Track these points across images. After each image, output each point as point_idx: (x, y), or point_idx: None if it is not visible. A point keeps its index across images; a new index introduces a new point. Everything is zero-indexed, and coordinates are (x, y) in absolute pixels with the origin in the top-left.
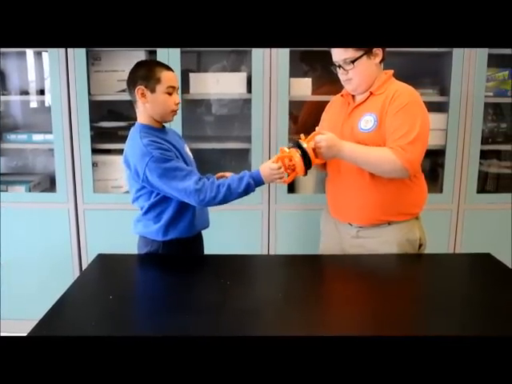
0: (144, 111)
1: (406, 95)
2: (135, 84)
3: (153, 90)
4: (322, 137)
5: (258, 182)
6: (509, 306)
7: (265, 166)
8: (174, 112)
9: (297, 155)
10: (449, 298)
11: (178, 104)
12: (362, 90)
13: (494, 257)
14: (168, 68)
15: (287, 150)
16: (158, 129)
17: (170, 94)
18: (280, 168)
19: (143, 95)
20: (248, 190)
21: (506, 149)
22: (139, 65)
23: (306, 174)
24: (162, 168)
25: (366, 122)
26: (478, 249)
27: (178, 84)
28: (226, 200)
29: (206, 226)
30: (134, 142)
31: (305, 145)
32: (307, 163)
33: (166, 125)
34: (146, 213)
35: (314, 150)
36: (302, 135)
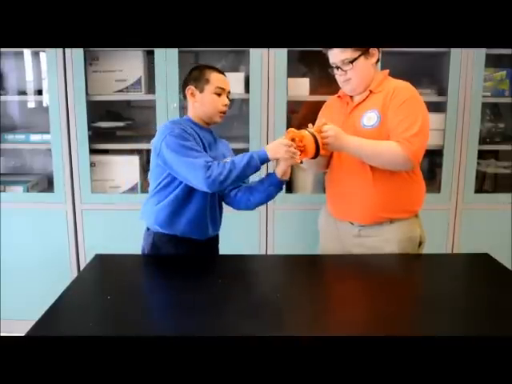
0: (193, 110)
1: (406, 91)
2: (186, 85)
3: (201, 90)
4: (330, 126)
5: (262, 155)
6: (507, 305)
7: (273, 142)
8: (222, 113)
9: (308, 134)
10: (447, 298)
11: (226, 105)
12: (360, 90)
13: (492, 257)
14: (219, 71)
15: (295, 131)
16: (198, 124)
17: (218, 94)
18: (291, 146)
19: (192, 95)
20: (251, 163)
21: (503, 149)
22: (193, 68)
23: (314, 157)
24: (178, 144)
25: (369, 118)
26: (475, 249)
27: (229, 88)
28: (231, 174)
29: (205, 235)
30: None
31: (313, 131)
32: (317, 148)
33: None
34: (150, 201)
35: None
36: (310, 124)
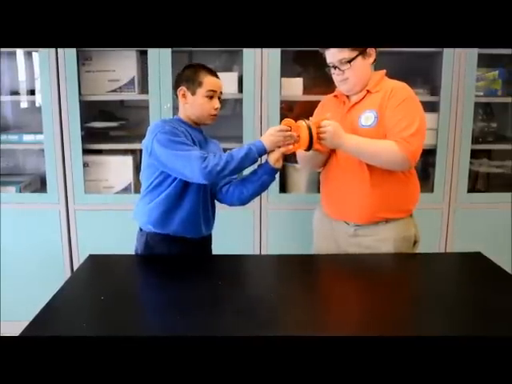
0: (183, 111)
1: (404, 91)
2: (178, 85)
3: (193, 93)
4: (330, 121)
5: (259, 146)
6: (499, 304)
7: (267, 132)
8: (213, 116)
9: (303, 125)
10: (440, 298)
11: (217, 109)
12: (357, 90)
13: (485, 256)
14: (213, 73)
15: (292, 120)
16: (188, 123)
17: (210, 97)
18: (286, 130)
19: (184, 96)
20: (249, 155)
21: (496, 148)
22: (186, 67)
23: (308, 149)
24: (169, 140)
25: (367, 118)
26: (468, 248)
27: (222, 89)
28: (228, 165)
29: (199, 234)
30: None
31: (311, 124)
32: (311, 140)
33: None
34: (143, 201)
35: (317, 133)
36: (311, 118)
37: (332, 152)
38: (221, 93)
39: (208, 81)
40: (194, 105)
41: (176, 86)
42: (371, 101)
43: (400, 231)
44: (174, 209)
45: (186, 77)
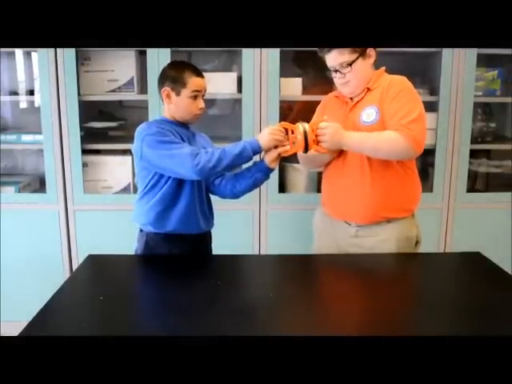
0: (168, 111)
1: (401, 83)
2: (163, 84)
3: (178, 94)
4: (327, 124)
5: (254, 145)
6: (498, 304)
7: (263, 131)
8: (197, 116)
9: (300, 128)
10: (439, 298)
11: (201, 109)
12: (359, 92)
13: (484, 256)
14: (197, 73)
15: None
16: (173, 122)
17: (194, 97)
18: (282, 132)
19: (168, 96)
20: (243, 154)
21: (495, 148)
22: (171, 66)
23: (305, 151)
24: (157, 140)
25: (368, 115)
26: (468, 247)
27: (206, 88)
28: (221, 162)
29: (198, 229)
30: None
31: (307, 127)
32: (306, 142)
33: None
34: (140, 203)
35: (316, 136)
36: (311, 122)
37: (334, 152)
38: (205, 91)
39: (192, 81)
40: (179, 105)
41: (159, 85)
42: (371, 97)
43: (402, 231)
44: (171, 207)
45: (169, 77)
